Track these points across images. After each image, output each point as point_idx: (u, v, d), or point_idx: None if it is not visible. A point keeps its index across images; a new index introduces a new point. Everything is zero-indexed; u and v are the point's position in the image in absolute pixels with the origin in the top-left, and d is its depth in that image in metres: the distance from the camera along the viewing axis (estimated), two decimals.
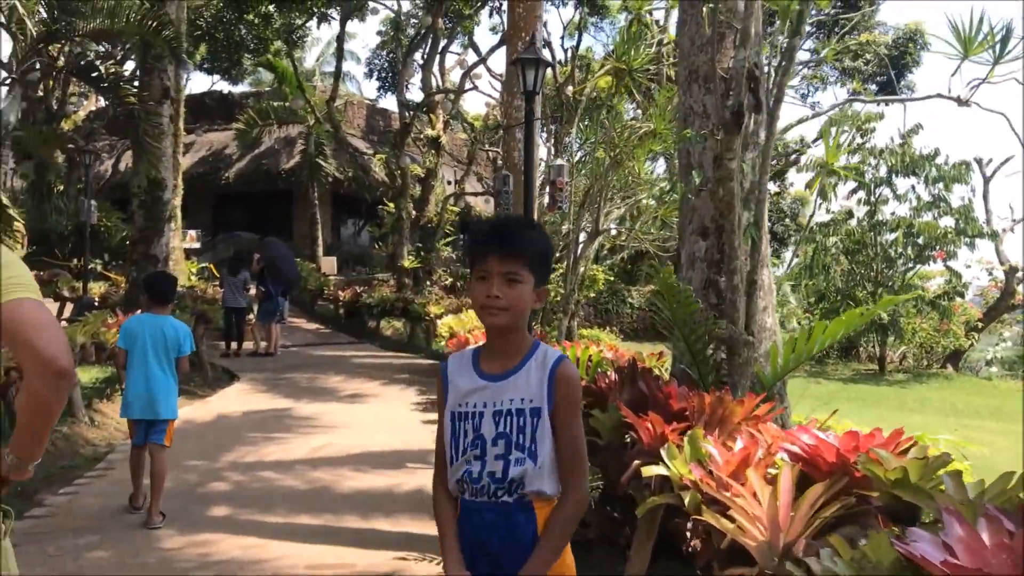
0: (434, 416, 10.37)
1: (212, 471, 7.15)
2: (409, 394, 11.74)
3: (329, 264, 27.14)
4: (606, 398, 4.57)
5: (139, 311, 6.77)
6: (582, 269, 11.10)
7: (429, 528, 5.62)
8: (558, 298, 13.12)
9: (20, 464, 2.12)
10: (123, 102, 10.02)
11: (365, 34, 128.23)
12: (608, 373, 4.84)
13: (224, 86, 36.47)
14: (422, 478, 7.09)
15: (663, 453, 3.44)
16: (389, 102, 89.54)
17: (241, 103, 29.30)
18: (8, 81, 9.79)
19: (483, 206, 32.58)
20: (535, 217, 7.58)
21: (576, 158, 13.53)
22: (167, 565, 4.88)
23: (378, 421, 9.58)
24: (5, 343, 1.99)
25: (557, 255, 14.66)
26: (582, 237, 10.79)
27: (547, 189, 11.21)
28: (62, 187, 24.32)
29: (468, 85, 24.22)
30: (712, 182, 4.86)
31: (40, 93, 24.23)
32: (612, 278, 19.06)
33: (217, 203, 30.71)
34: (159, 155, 10.47)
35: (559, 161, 8.17)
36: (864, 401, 15.93)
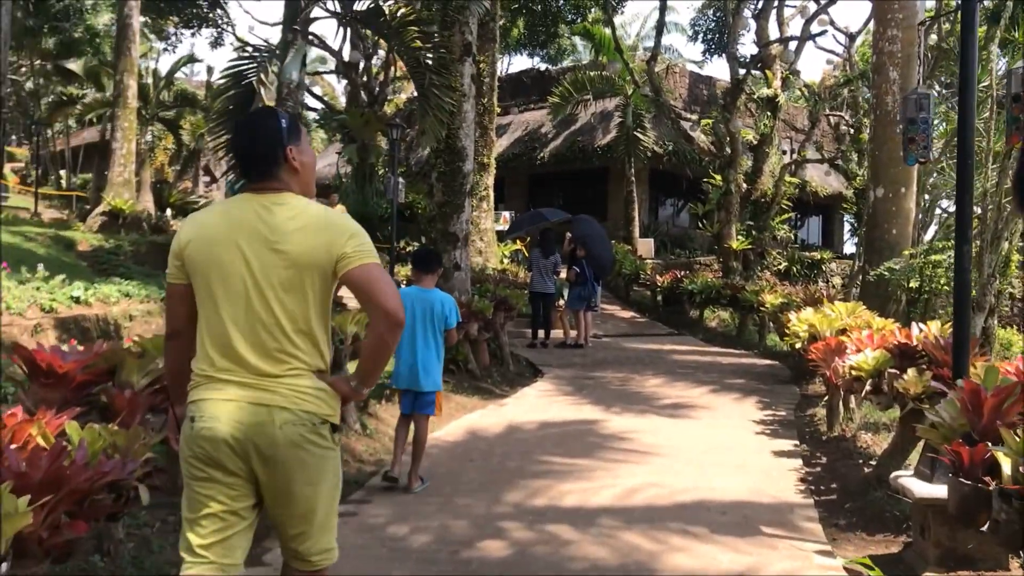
0: (789, 445, 7.80)
1: (489, 518, 5.22)
2: (747, 408, 9.20)
3: (646, 246, 25.01)
4: None
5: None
6: (1005, 246, 7.87)
7: None
8: (946, 285, 9.82)
9: (360, 387, 2.75)
10: (408, 48, 8.59)
11: None
12: None
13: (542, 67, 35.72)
14: (791, 558, 4.63)
15: None
16: (714, 68, 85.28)
17: (557, 79, 27.99)
18: (291, 36, 8.65)
19: (821, 179, 28.62)
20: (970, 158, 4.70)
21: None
22: None
23: (711, 448, 7.20)
24: (358, 295, 2.63)
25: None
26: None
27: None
28: (383, 171, 24.49)
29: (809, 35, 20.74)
30: None
31: (363, 77, 24.63)
32: None
33: (532, 184, 29.81)
34: (449, 111, 8.87)
35: None
36: None
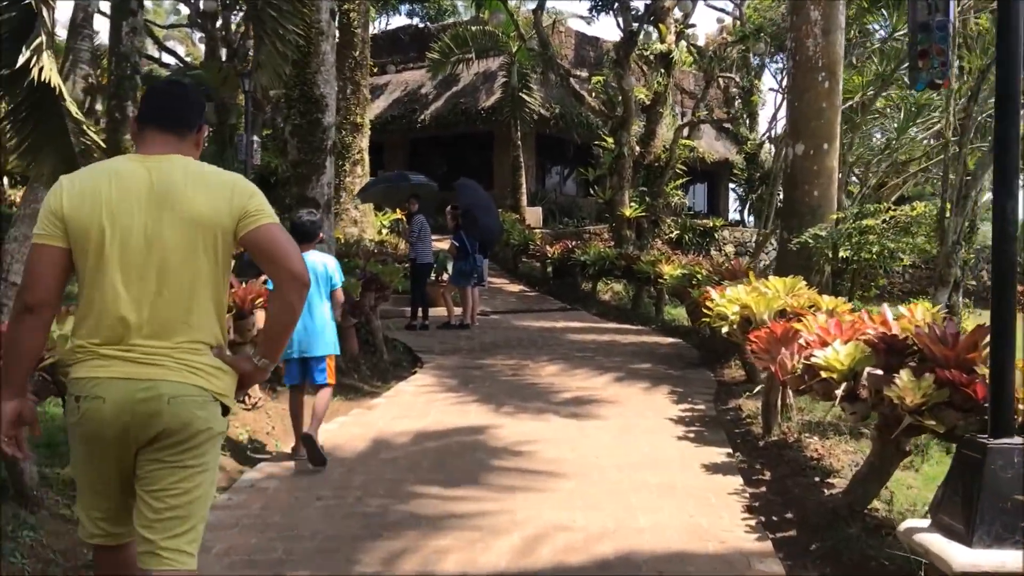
0: (721, 455, 5.43)
1: None
2: (660, 400, 7.84)
3: (534, 215, 23.60)
4: None
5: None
6: (969, 207, 6.70)
7: None
8: (878, 256, 8.70)
9: (265, 362, 2.56)
10: None
11: None
12: None
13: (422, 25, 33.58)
14: None
15: None
16: (601, 28, 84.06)
17: (437, 36, 26.04)
18: None
19: (708, 145, 27.80)
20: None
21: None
22: None
23: (628, 462, 5.74)
24: (261, 258, 2.49)
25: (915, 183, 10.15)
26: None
27: None
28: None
29: None
30: None
31: (223, 30, 22.16)
32: None
33: (413, 148, 27.92)
34: (296, 43, 7.06)
35: None
36: None
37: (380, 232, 19.82)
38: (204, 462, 2.44)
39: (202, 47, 31.76)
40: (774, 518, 4.76)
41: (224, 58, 21.81)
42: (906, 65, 11.33)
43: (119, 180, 2.42)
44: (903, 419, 3.95)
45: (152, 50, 29.58)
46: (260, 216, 2.45)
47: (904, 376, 3.96)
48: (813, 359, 4.50)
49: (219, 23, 22.37)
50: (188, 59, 29.95)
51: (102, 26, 26.33)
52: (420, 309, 12.44)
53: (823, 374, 4.40)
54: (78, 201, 2.40)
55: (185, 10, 27.01)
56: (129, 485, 2.44)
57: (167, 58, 28.58)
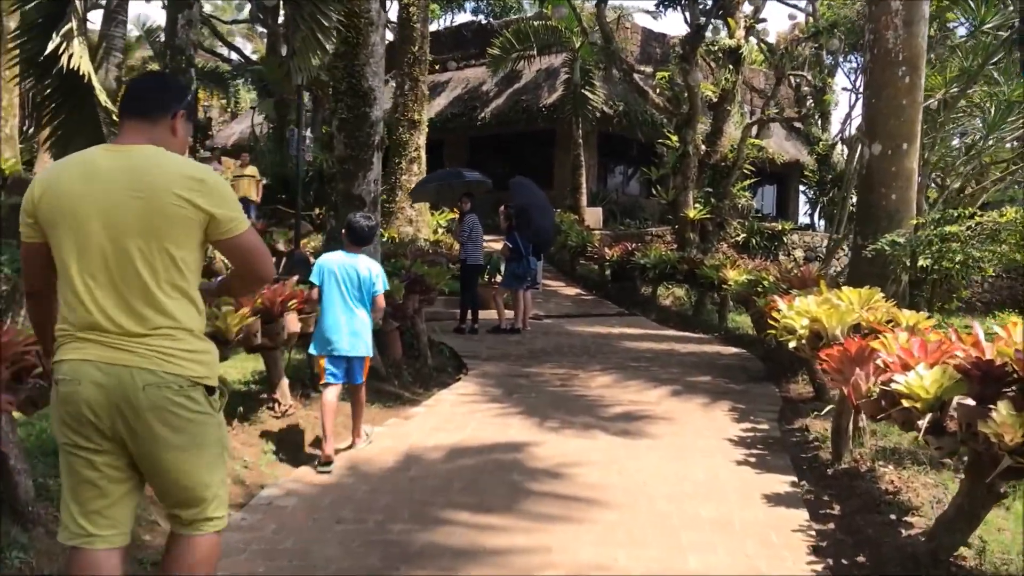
0: (785, 485, 4.64)
1: None
2: (719, 418, 7.25)
3: (594, 216, 23.00)
4: None
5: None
6: None
7: None
8: (960, 264, 7.98)
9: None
10: None
11: None
12: None
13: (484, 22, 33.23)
14: None
15: None
16: (668, 24, 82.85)
17: (499, 32, 25.58)
18: None
19: (778, 146, 26.84)
20: None
21: None
22: None
23: (680, 491, 5.21)
24: (236, 261, 2.66)
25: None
26: None
27: None
28: (306, 130, 21.98)
29: None
30: None
31: (281, 25, 22.10)
32: None
33: (473, 147, 27.57)
34: (343, 34, 6.67)
35: None
36: None
37: (435, 231, 19.50)
38: (196, 443, 2.51)
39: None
40: (844, 561, 4.19)
41: (284, 53, 21.74)
42: (996, 59, 10.54)
43: (86, 171, 2.48)
44: (1001, 460, 3.37)
45: (220, 48, 29.85)
46: (237, 224, 2.54)
47: (1003, 409, 3.39)
48: (893, 385, 3.92)
49: (280, 18, 22.34)
50: (254, 55, 30.14)
51: (160, 18, 26.58)
52: (470, 312, 12.05)
53: (904, 402, 3.82)
54: (44, 197, 2.49)
55: (249, 6, 27.14)
56: (113, 478, 2.51)
57: (223, 52, 28.76)
